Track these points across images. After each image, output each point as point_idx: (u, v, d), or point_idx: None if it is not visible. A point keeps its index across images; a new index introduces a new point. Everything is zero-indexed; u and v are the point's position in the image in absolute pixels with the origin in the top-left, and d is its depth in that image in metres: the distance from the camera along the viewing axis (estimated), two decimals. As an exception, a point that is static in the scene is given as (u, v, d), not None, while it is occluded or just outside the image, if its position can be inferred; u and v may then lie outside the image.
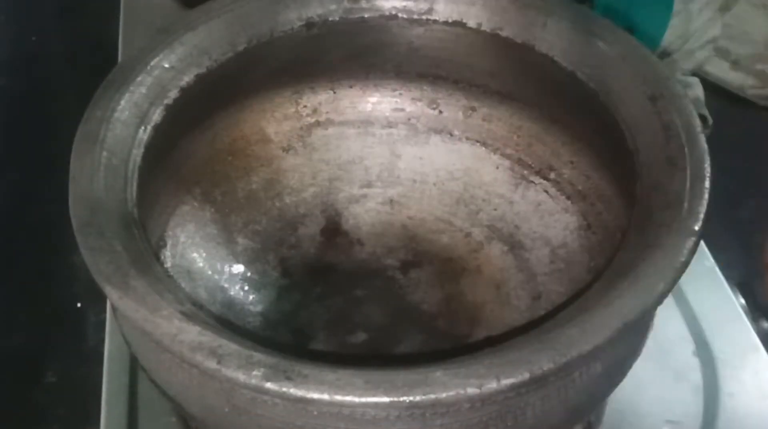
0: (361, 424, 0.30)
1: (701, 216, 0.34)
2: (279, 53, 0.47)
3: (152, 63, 0.42)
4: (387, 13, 0.47)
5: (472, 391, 0.28)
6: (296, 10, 0.46)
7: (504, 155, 0.50)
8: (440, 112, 0.52)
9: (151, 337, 0.31)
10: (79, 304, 0.61)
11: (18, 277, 0.64)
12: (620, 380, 0.37)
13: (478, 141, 0.51)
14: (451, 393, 0.28)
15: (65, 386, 0.57)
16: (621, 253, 0.35)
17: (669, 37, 0.76)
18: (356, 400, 0.28)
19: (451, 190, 0.51)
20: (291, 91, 0.51)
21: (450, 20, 0.47)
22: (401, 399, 0.28)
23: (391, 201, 0.52)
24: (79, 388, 0.55)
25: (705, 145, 0.37)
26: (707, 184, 0.36)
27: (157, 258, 0.36)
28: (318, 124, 0.52)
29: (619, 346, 0.34)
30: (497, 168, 0.50)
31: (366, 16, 0.47)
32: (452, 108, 0.51)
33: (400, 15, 0.47)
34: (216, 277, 0.46)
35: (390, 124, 0.52)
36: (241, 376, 0.29)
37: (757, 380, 0.47)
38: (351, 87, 0.52)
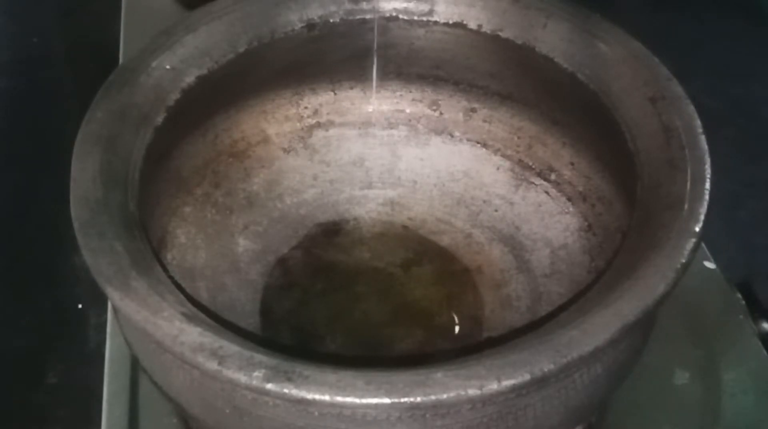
0: (361, 425, 0.30)
1: (702, 217, 0.34)
2: (280, 54, 0.47)
3: (153, 64, 0.42)
4: (388, 15, 0.47)
5: (472, 392, 0.28)
6: (297, 11, 0.46)
7: (504, 156, 0.50)
8: (441, 113, 0.52)
9: (152, 338, 0.31)
10: (80, 306, 0.61)
11: (19, 278, 0.64)
12: (622, 381, 0.37)
13: (478, 142, 0.51)
14: (452, 394, 0.28)
15: (66, 387, 0.57)
16: (621, 254, 0.35)
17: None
18: (357, 401, 0.28)
19: (452, 191, 0.51)
20: (292, 93, 0.51)
21: (450, 22, 0.47)
22: (402, 400, 0.28)
23: (392, 202, 0.52)
24: (80, 389, 0.55)
25: (705, 147, 0.37)
26: (708, 185, 0.36)
27: (159, 259, 0.36)
28: (319, 125, 0.52)
29: (620, 347, 0.34)
30: (498, 169, 0.50)
31: (367, 17, 0.47)
32: (453, 109, 0.51)
33: (400, 16, 0.47)
34: (217, 278, 0.46)
35: (391, 126, 0.52)
36: (242, 377, 0.29)
37: (757, 380, 0.47)
38: (352, 88, 0.52)
